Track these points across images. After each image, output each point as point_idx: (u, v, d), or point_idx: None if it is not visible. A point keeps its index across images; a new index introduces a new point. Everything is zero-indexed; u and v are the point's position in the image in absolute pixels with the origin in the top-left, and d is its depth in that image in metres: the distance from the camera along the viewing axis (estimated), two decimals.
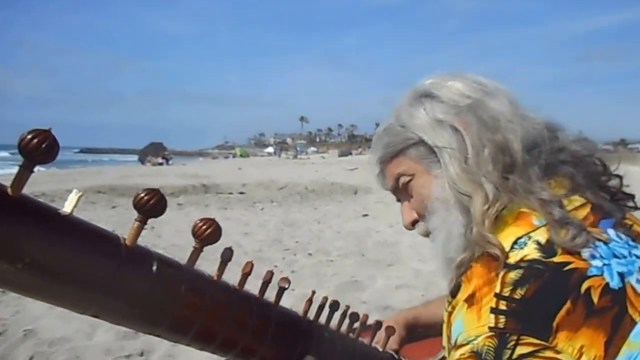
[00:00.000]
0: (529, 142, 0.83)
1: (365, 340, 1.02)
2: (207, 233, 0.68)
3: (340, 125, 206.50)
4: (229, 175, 23.61)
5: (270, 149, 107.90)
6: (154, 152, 54.88)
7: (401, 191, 0.95)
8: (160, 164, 41.67)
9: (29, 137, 0.50)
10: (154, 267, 0.64)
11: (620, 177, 0.89)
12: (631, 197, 0.90)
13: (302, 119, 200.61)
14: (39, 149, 0.50)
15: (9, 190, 0.51)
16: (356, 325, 0.97)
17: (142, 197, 0.61)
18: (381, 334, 1.06)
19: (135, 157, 55.82)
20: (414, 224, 0.97)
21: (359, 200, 13.09)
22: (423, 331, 1.33)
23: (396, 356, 1.10)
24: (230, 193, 14.88)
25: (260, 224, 9.08)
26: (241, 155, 77.03)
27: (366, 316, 0.99)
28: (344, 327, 0.95)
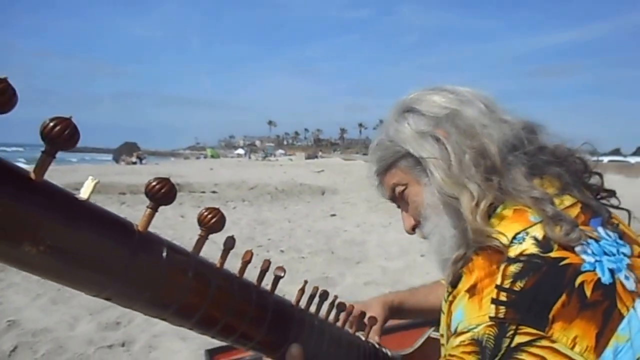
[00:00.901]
0: (509, 144, 0.84)
1: (349, 329, 1.03)
2: (212, 221, 0.68)
3: (306, 130, 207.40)
4: (201, 175, 23.35)
5: (241, 151, 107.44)
6: (128, 151, 53.83)
7: (399, 200, 0.97)
8: (134, 163, 40.97)
9: (52, 124, 0.49)
10: (164, 254, 0.63)
11: (600, 175, 0.90)
12: (613, 193, 0.91)
13: (270, 122, 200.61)
14: (62, 135, 0.49)
15: (32, 175, 0.50)
16: (342, 314, 0.99)
17: (154, 186, 0.61)
18: (364, 324, 1.08)
19: (110, 156, 54.56)
20: (414, 229, 0.97)
21: (326, 200, 13.12)
22: (405, 315, 1.35)
23: (377, 345, 1.11)
24: (203, 192, 14.70)
25: (233, 222, 8.96)
26: (212, 156, 76.41)
27: (352, 306, 1.00)
28: (332, 316, 0.97)
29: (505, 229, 0.76)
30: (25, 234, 0.50)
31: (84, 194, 0.56)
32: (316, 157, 74.26)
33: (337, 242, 7.30)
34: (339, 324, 0.98)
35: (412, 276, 5.23)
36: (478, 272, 0.74)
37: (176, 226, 7.55)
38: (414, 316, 1.38)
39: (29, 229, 0.50)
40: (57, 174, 17.30)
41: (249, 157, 67.89)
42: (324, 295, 0.93)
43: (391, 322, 1.31)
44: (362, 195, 13.97)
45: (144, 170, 27.70)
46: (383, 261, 6.01)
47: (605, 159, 36.09)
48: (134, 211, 9.76)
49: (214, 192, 14.90)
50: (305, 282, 0.91)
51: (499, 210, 0.79)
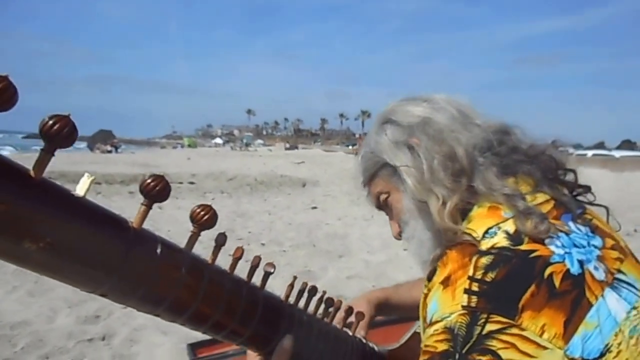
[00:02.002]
0: (479, 146, 0.89)
1: (337, 324, 1.05)
2: (204, 219, 0.69)
3: (286, 119, 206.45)
4: (178, 164, 23.14)
5: (219, 140, 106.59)
6: (103, 139, 53.05)
7: (384, 207, 1.03)
8: (110, 151, 40.39)
9: (51, 122, 0.50)
10: (159, 250, 0.65)
11: (574, 171, 0.94)
12: (588, 188, 0.95)
13: (249, 111, 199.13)
14: (61, 133, 0.50)
15: (32, 173, 0.51)
16: (331, 309, 1.02)
17: (149, 183, 0.62)
18: (351, 319, 1.12)
19: (84, 144, 53.42)
20: (400, 234, 1.02)
21: (307, 192, 13.12)
22: (391, 311, 1.39)
23: (364, 340, 1.14)
24: (181, 182, 14.57)
25: None
26: (189, 146, 75.71)
27: (340, 302, 1.03)
28: (320, 311, 0.99)
29: (477, 225, 0.81)
30: (26, 231, 0.51)
31: (80, 190, 0.57)
32: (296, 147, 74.13)
33: (319, 235, 7.32)
34: (327, 319, 1.00)
35: (395, 270, 5.29)
36: (451, 265, 0.78)
37: (154, 217, 7.39)
38: (398, 312, 1.42)
39: (29, 226, 0.51)
40: (30, 162, 16.89)
41: (231, 147, 67.33)
42: (313, 290, 0.95)
43: (377, 317, 1.33)
44: (344, 187, 14.03)
45: (119, 159, 27.33)
46: (365, 255, 6.05)
47: (590, 153, 36.66)
48: (110, 202, 9.63)
49: (191, 182, 14.79)
50: (295, 277, 0.92)
51: (474, 208, 0.84)
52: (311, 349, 0.92)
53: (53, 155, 0.52)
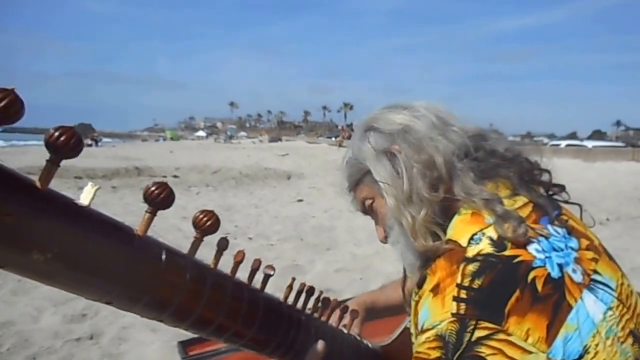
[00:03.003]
0: (457, 152, 0.92)
1: (333, 322, 1.09)
2: (207, 224, 0.70)
3: (269, 112, 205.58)
4: (161, 158, 22.92)
5: (202, 133, 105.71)
6: (83, 133, 51.90)
7: (369, 212, 1.05)
8: (90, 145, 39.80)
9: (57, 134, 0.51)
10: (163, 257, 0.65)
11: (549, 172, 0.98)
12: (562, 187, 0.99)
13: (232, 104, 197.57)
14: (67, 145, 0.51)
15: (38, 184, 0.52)
16: (327, 309, 1.04)
17: (153, 191, 0.63)
18: (346, 317, 1.16)
19: None
20: (386, 238, 1.04)
21: (292, 185, 13.11)
22: (380, 313, 1.44)
23: (358, 337, 1.18)
24: (164, 176, 14.44)
25: (197, 208, 8.52)
26: (172, 138, 74.98)
27: (335, 301, 1.06)
28: (317, 311, 1.02)
29: (461, 232, 0.84)
30: (34, 243, 0.52)
31: (84, 200, 0.57)
32: (280, 140, 73.85)
33: (306, 228, 7.33)
34: (324, 318, 1.03)
35: (382, 262, 5.32)
36: (440, 273, 0.81)
37: (138, 212, 7.40)
38: (386, 312, 1.46)
39: (37, 238, 0.52)
40: (8, 157, 16.65)
41: (215, 140, 66.81)
42: (310, 291, 0.98)
43: None
44: (329, 179, 14.02)
45: (100, 152, 26.97)
46: (352, 247, 6.07)
47: (563, 144, 37.24)
48: None
49: (175, 176, 14.66)
50: (293, 279, 0.95)
51: (458, 214, 0.87)
52: (309, 347, 0.93)
53: (59, 166, 0.52)
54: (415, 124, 0.95)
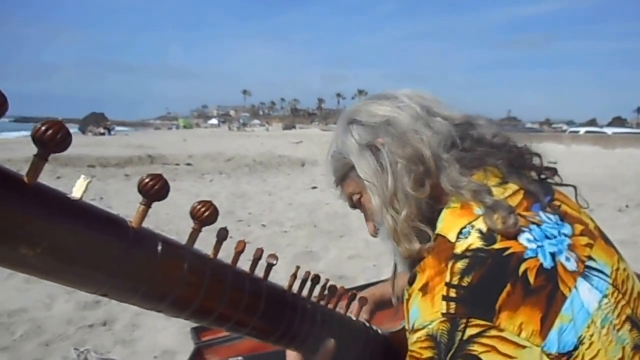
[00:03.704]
0: (443, 144, 0.89)
1: (340, 310, 1.07)
2: (205, 215, 0.70)
3: (282, 99, 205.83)
4: (174, 146, 23.07)
5: (214, 121, 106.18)
6: (95, 122, 52.85)
7: (358, 206, 1.03)
8: (102, 134, 40.27)
9: (43, 128, 0.51)
10: (159, 248, 0.65)
11: (539, 155, 0.95)
12: (554, 170, 0.97)
13: (244, 92, 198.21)
14: (54, 139, 0.51)
15: (26, 179, 0.52)
16: (334, 297, 1.03)
17: (147, 183, 0.62)
18: (354, 304, 1.14)
19: (76, 127, 53.17)
20: (376, 231, 1.02)
21: (306, 172, 13.11)
22: (389, 305, 1.39)
23: (367, 324, 1.17)
24: (177, 164, 14.53)
25: (210, 195, 8.88)
26: (185, 127, 75.48)
27: (342, 288, 1.05)
28: (324, 299, 1.01)
29: (450, 227, 0.82)
30: (22, 237, 0.52)
31: (76, 193, 0.57)
32: (294, 127, 73.91)
33: (320, 215, 7.32)
34: (331, 306, 1.02)
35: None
36: (429, 271, 0.80)
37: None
38: (395, 304, 1.43)
39: (25, 232, 0.52)
40: (22, 147, 16.85)
41: (228, 127, 67.10)
42: (316, 279, 0.96)
43: None
44: None
45: (113, 141, 27.23)
46: (366, 234, 5.93)
47: (582, 130, 36.83)
48: (105, 185, 9.61)
49: (188, 164, 14.74)
50: (297, 267, 0.94)
51: (447, 207, 0.85)
52: (316, 336, 0.94)
53: (47, 160, 0.52)
54: (399, 115, 0.93)
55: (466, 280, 0.75)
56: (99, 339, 2.34)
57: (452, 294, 0.75)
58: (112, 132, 44.28)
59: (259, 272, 0.84)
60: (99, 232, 0.59)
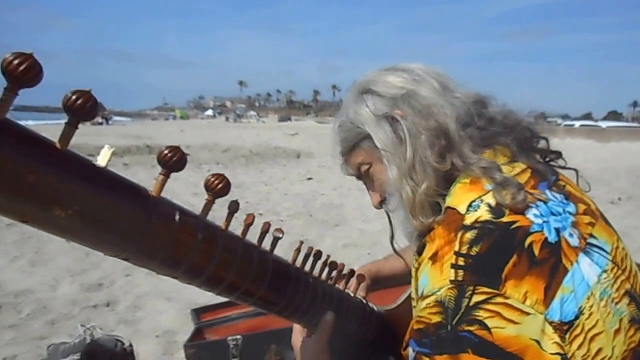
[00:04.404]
0: (461, 120, 0.90)
1: (339, 286, 1.10)
2: (219, 187, 0.72)
3: (278, 91, 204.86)
4: (171, 136, 23.02)
5: (210, 112, 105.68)
6: None
7: (364, 177, 1.03)
8: (100, 123, 39.91)
9: (74, 97, 0.53)
10: (177, 217, 0.67)
11: (546, 139, 0.98)
12: (559, 154, 1.00)
13: (241, 83, 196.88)
14: (84, 108, 0.53)
15: (58, 145, 0.54)
16: (334, 273, 1.07)
17: (166, 154, 0.65)
18: (353, 281, 1.18)
19: None
20: (381, 204, 1.04)
21: (302, 164, 13.14)
22: (384, 282, 1.44)
23: (364, 301, 1.20)
24: None
25: None
26: (181, 117, 75.05)
27: (342, 265, 1.09)
28: (324, 274, 1.04)
29: (460, 200, 0.84)
30: (56, 199, 0.54)
31: (101, 161, 0.60)
32: (289, 119, 73.66)
33: (315, 205, 7.38)
34: (331, 281, 1.05)
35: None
36: (438, 241, 0.82)
37: (149, 188, 7.45)
38: (391, 281, 1.46)
39: (58, 195, 0.54)
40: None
41: (226, 119, 66.72)
42: (318, 254, 1.00)
43: None
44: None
45: (110, 131, 27.13)
46: (361, 224, 6.13)
47: (577, 124, 36.89)
48: None
49: (186, 154, 14.69)
50: (301, 242, 0.98)
51: (457, 181, 0.87)
52: (317, 309, 0.97)
53: (77, 128, 0.54)
54: (419, 88, 0.93)
55: (474, 250, 0.77)
56: (102, 319, 2.42)
57: (461, 262, 0.77)
58: (110, 122, 43.94)
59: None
60: (122, 198, 0.61)
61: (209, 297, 3.02)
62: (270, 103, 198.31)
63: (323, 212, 6.89)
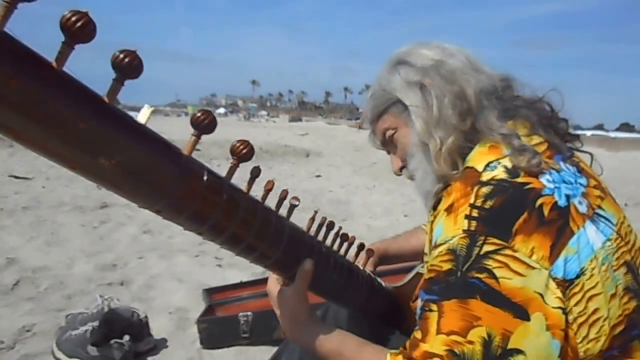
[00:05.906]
0: (485, 90, 0.96)
1: (350, 258, 1.15)
2: (244, 152, 0.77)
3: (290, 91, 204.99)
4: (183, 132, 23.00)
5: (222, 110, 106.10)
6: None
7: (388, 143, 1.10)
8: None
9: (122, 55, 0.57)
10: (205, 177, 0.71)
11: (566, 120, 1.02)
12: (577, 136, 1.05)
13: (253, 82, 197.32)
14: (131, 65, 0.57)
15: (106, 99, 0.58)
16: (345, 244, 1.11)
17: (199, 117, 0.70)
18: (362, 255, 1.23)
19: None
20: (401, 169, 1.11)
21: (311, 162, 13.20)
22: (391, 260, 1.50)
23: (373, 275, 1.24)
24: None
25: None
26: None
27: (353, 237, 1.13)
28: (336, 245, 1.09)
29: (478, 160, 0.89)
30: (102, 149, 0.58)
31: (141, 119, 0.65)
32: (300, 120, 73.79)
33: (323, 201, 7.42)
34: (342, 252, 1.10)
35: (396, 234, 5.41)
36: (455, 194, 0.87)
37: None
38: (398, 260, 1.53)
39: (104, 145, 0.58)
40: None
41: (243, 117, 67.17)
42: (331, 225, 1.06)
43: (380, 268, 1.44)
44: (347, 158, 14.10)
45: None
46: (368, 220, 6.17)
47: (589, 133, 36.73)
48: None
49: (197, 149, 14.70)
50: (315, 212, 1.03)
51: (477, 146, 0.93)
52: (327, 277, 1.00)
53: (123, 84, 0.58)
54: (448, 60, 0.99)
55: (489, 204, 0.81)
56: (117, 296, 2.49)
57: (475, 213, 0.82)
58: None
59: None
60: (159, 154, 0.66)
61: (219, 280, 3.10)
62: (282, 103, 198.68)
63: (331, 208, 6.93)
